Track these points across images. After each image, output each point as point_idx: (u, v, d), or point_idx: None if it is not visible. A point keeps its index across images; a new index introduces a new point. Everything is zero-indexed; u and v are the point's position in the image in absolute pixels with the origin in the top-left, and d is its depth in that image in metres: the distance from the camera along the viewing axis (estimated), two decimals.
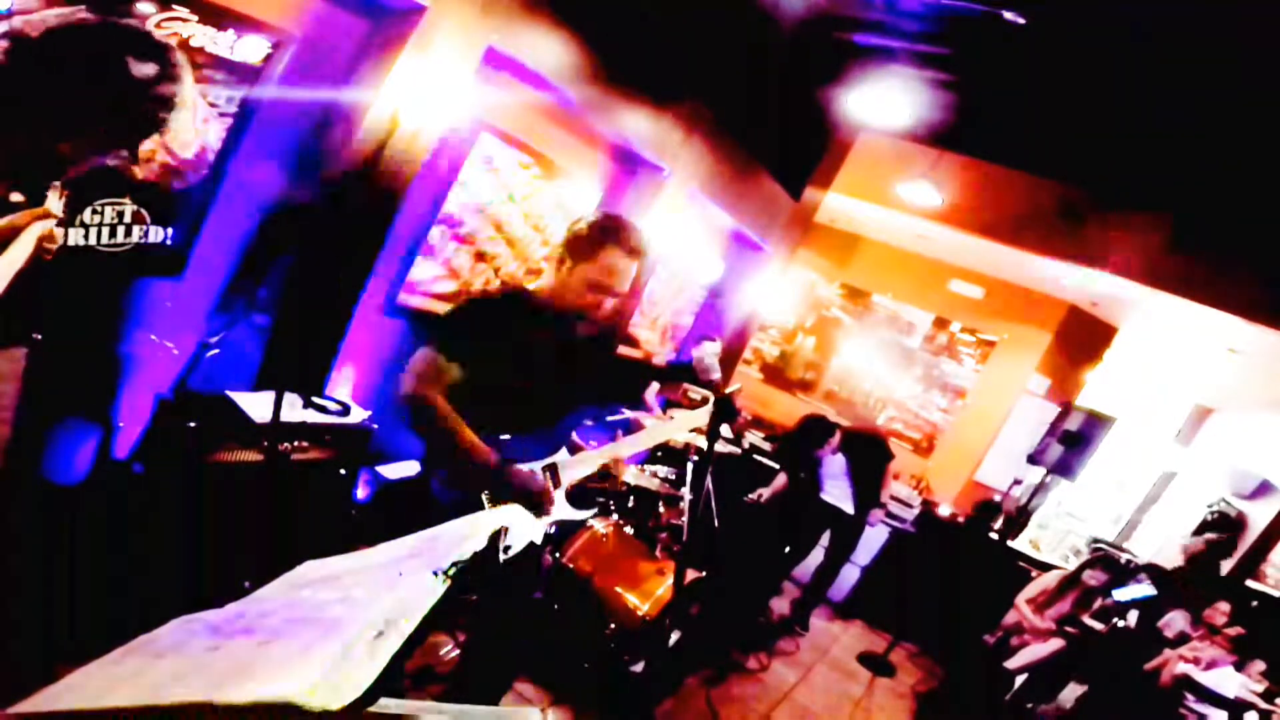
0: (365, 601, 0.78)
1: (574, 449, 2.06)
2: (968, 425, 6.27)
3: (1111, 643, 4.25)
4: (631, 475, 3.47)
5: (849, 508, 4.56)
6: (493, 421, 1.80)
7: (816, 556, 4.79)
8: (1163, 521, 7.37)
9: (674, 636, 2.95)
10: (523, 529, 1.08)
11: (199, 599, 0.97)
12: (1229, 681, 4.20)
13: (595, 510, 2.13)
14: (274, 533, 2.56)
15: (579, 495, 2.05)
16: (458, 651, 2.60)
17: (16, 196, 2.27)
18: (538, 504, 1.79)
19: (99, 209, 2.51)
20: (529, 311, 1.89)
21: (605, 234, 1.82)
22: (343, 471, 2.88)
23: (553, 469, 1.88)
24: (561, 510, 1.95)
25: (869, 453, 4.64)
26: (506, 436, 1.83)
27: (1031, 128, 4.75)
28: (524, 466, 1.81)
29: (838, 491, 4.58)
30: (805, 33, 4.38)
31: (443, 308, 4.05)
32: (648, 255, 1.90)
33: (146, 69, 1.16)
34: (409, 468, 3.72)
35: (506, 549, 1.80)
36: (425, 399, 1.73)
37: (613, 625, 2.79)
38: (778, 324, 7.25)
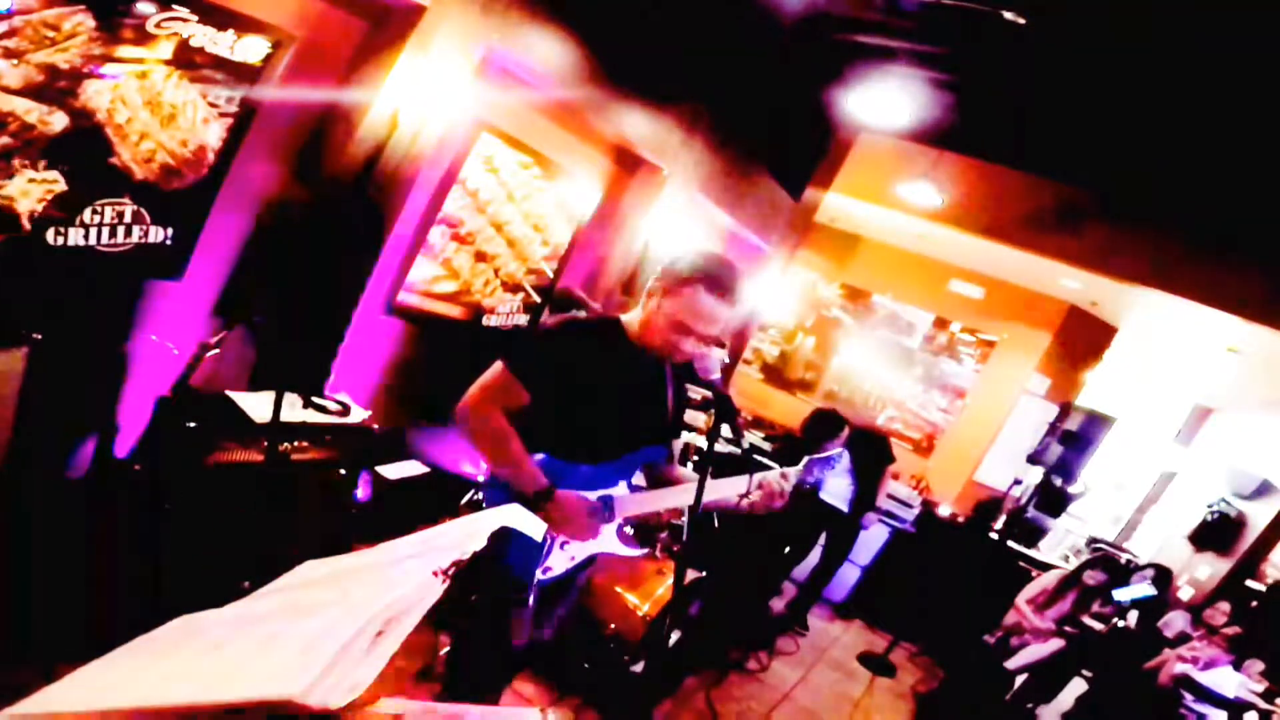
0: (365, 601, 0.78)
1: (667, 480, 1.98)
2: (968, 425, 6.27)
3: (1111, 643, 4.25)
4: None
5: (845, 508, 4.56)
6: (557, 447, 1.77)
7: (813, 556, 4.79)
8: (1163, 521, 7.37)
9: (674, 636, 2.95)
10: (534, 530, 1.07)
11: (199, 599, 0.97)
12: (1228, 681, 4.20)
13: (646, 550, 2.08)
14: (274, 533, 2.56)
15: (633, 533, 2.00)
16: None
17: (10, 191, 2.27)
18: (578, 533, 1.78)
19: (99, 209, 2.51)
20: (617, 345, 1.82)
21: (694, 272, 1.70)
22: (343, 471, 2.88)
23: (608, 502, 1.85)
24: (609, 544, 1.92)
25: (872, 452, 4.64)
26: (567, 463, 1.79)
27: (1031, 128, 4.75)
28: (579, 498, 1.78)
29: (837, 491, 4.57)
30: (805, 33, 4.38)
31: (444, 308, 4.07)
32: (740, 300, 1.75)
33: None
34: (409, 468, 3.72)
35: (546, 570, 1.79)
36: (481, 412, 1.71)
37: (612, 625, 2.79)
38: (778, 324, 7.24)
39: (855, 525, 4.63)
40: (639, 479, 2.05)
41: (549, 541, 1.78)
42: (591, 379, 1.77)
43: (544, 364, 1.76)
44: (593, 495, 1.83)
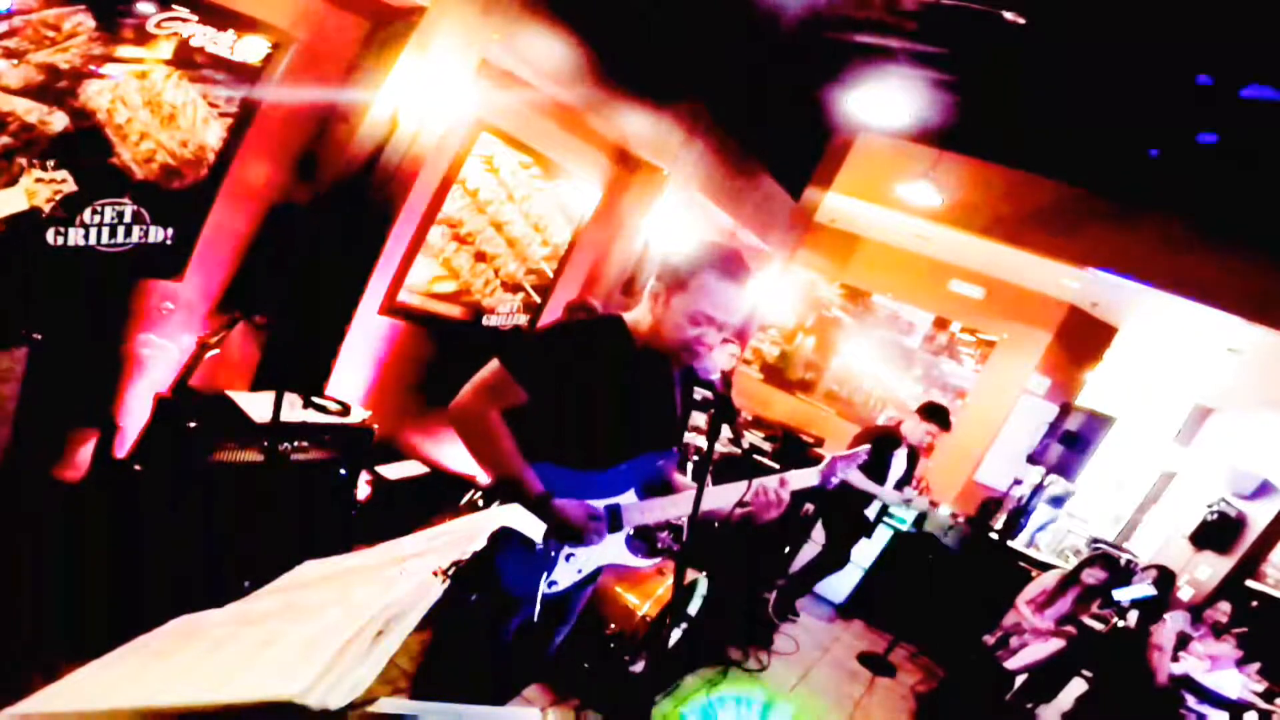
0: (365, 601, 0.78)
1: (669, 487, 1.93)
2: (968, 425, 6.26)
3: (1111, 643, 4.25)
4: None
5: (872, 515, 4.58)
6: (560, 453, 1.72)
7: (813, 549, 4.79)
8: (1163, 521, 7.37)
9: (674, 636, 2.95)
10: (534, 531, 1.07)
11: (199, 599, 0.97)
12: (1229, 681, 4.20)
13: (656, 560, 2.03)
14: (274, 533, 2.56)
15: (643, 542, 1.94)
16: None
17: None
18: (578, 541, 1.73)
19: (99, 209, 2.51)
20: (620, 345, 1.76)
21: (700, 262, 1.67)
22: (343, 471, 2.88)
23: (615, 510, 1.80)
24: (618, 555, 1.87)
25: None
26: (572, 470, 1.74)
27: (1031, 128, 4.75)
28: (578, 504, 1.72)
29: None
30: (805, 33, 4.38)
31: (443, 308, 4.07)
32: (749, 284, 1.72)
33: None
34: (409, 468, 3.72)
35: (552, 584, 1.76)
36: (476, 413, 1.66)
37: (613, 625, 2.79)
38: (778, 324, 7.24)
39: (870, 532, 4.67)
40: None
41: (554, 555, 1.74)
42: (593, 379, 1.71)
43: (542, 362, 1.71)
44: (600, 504, 1.78)
